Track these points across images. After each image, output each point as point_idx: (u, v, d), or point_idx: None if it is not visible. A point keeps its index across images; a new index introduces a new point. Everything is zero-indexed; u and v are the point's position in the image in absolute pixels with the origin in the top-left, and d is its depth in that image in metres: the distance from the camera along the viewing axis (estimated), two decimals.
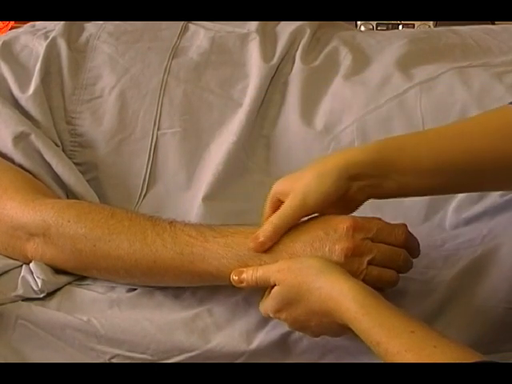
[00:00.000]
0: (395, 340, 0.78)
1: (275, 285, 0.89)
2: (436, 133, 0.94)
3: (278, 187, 0.93)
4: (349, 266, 0.88)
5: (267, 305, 0.91)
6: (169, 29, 1.24)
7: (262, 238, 0.92)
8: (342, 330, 0.86)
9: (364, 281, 0.88)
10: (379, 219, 0.92)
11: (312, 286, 0.86)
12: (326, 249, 0.90)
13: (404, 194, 0.95)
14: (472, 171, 0.90)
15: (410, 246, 0.92)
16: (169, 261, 0.95)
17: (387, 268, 0.90)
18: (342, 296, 0.83)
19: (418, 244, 0.93)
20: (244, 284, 0.91)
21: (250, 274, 0.91)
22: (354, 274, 0.88)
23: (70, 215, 0.99)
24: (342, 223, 0.90)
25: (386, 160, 0.90)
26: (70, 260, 1.00)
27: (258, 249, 0.92)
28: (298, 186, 0.91)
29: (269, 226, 0.92)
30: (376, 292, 0.84)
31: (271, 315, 0.91)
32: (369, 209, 0.95)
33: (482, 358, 0.74)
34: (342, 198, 0.91)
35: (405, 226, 0.92)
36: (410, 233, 0.92)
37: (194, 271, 0.95)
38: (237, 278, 0.92)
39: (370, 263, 0.89)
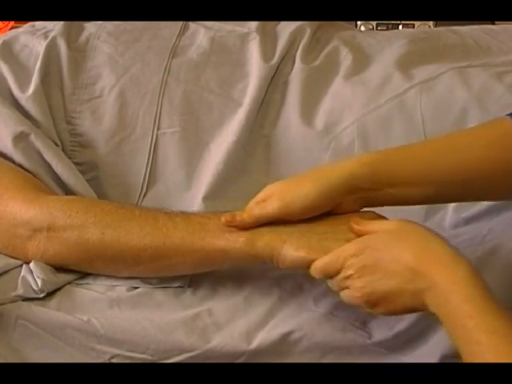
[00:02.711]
0: (494, 337, 0.75)
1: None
2: (431, 145, 0.95)
3: (269, 191, 0.94)
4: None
5: (353, 244, 0.87)
6: (168, 27, 1.24)
7: (236, 219, 0.93)
8: (407, 300, 0.82)
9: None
10: None
11: (426, 243, 0.83)
12: (345, 220, 0.92)
13: (397, 204, 0.95)
14: (467, 182, 0.91)
15: None
16: (178, 240, 0.96)
17: None
18: (453, 265, 0.80)
19: None
20: (357, 228, 0.90)
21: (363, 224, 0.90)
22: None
23: (79, 207, 1.00)
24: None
25: (381, 174, 0.91)
26: (73, 253, 1.00)
27: (228, 225, 0.94)
28: (289, 187, 0.93)
29: (248, 213, 0.94)
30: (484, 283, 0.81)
31: (349, 251, 0.86)
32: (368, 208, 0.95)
33: None
34: (334, 207, 0.93)
35: None
36: None
37: (202, 249, 0.95)
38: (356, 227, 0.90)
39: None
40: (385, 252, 0.84)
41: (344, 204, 0.93)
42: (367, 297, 0.85)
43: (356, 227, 0.90)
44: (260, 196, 0.95)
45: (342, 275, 0.87)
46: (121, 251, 0.98)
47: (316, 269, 0.89)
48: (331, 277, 0.88)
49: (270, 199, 0.93)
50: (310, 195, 0.91)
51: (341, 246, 0.88)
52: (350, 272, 0.86)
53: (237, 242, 0.94)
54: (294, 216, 0.93)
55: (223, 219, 0.94)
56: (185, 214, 0.99)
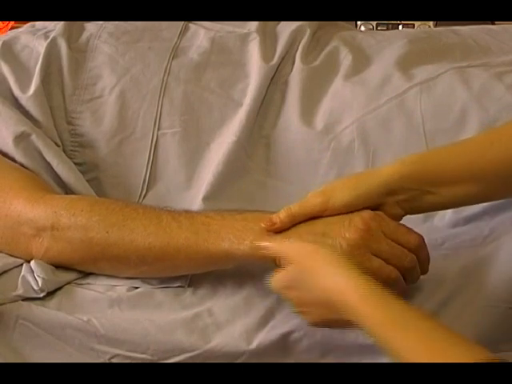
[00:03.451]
0: (406, 334, 0.77)
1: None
2: (477, 140, 0.95)
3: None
4: (354, 248, 0.89)
5: (278, 279, 0.89)
6: (169, 29, 1.24)
7: (275, 221, 0.93)
8: (347, 323, 0.84)
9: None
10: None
11: (320, 276, 0.85)
12: (346, 223, 0.91)
13: (443, 207, 0.97)
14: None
15: (421, 256, 0.92)
16: (182, 240, 0.96)
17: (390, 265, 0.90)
18: (350, 292, 0.82)
19: (429, 261, 0.93)
20: (267, 251, 0.91)
21: (272, 246, 0.91)
22: (355, 258, 0.88)
23: (83, 205, 1.00)
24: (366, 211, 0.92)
25: (424, 173, 0.92)
26: (77, 252, 1.00)
27: (269, 229, 0.93)
28: (331, 186, 0.93)
29: (286, 211, 0.93)
30: (384, 288, 0.83)
31: (278, 289, 0.90)
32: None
33: (488, 353, 0.73)
34: (375, 209, 0.93)
35: (422, 236, 0.92)
36: (426, 246, 0.92)
37: (206, 250, 0.95)
38: (262, 244, 0.92)
39: (374, 254, 0.89)
40: (304, 294, 0.87)
41: (385, 206, 0.93)
42: (317, 324, 0.90)
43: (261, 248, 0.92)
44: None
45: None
46: (125, 250, 0.98)
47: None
48: None
49: (311, 196, 0.93)
50: (349, 194, 0.91)
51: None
52: (290, 305, 0.90)
53: (241, 244, 0.94)
54: (333, 213, 0.92)
55: (262, 225, 0.93)
56: (188, 214, 0.99)
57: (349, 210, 0.92)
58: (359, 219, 0.91)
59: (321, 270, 0.85)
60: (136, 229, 0.97)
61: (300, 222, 0.93)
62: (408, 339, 0.76)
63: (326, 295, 0.84)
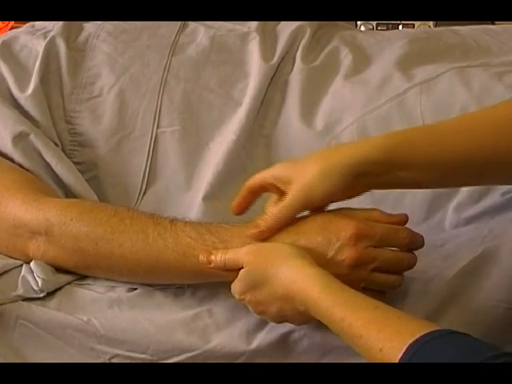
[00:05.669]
0: (359, 314, 0.79)
1: (243, 267, 0.90)
2: (442, 128, 0.92)
3: (277, 173, 0.93)
4: (353, 275, 0.89)
5: (234, 286, 0.91)
6: (168, 26, 1.24)
7: (261, 228, 0.92)
8: (302, 317, 0.87)
9: (369, 286, 0.89)
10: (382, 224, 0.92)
11: (277, 270, 0.87)
12: (328, 257, 0.89)
13: (407, 187, 0.96)
14: (478, 166, 0.89)
15: (414, 243, 0.93)
16: (172, 260, 0.96)
17: (391, 273, 0.91)
18: (307, 279, 0.84)
19: (422, 237, 0.93)
20: (212, 265, 0.92)
21: (218, 256, 0.92)
22: (359, 281, 0.89)
23: (73, 214, 0.99)
24: (344, 230, 0.90)
25: (395, 158, 0.89)
26: (72, 258, 1.00)
27: (257, 237, 0.92)
28: (301, 179, 0.90)
29: (270, 216, 0.92)
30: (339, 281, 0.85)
31: (237, 297, 0.91)
32: (370, 207, 0.95)
33: (437, 327, 0.76)
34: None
35: (406, 228, 0.92)
36: (413, 232, 0.92)
37: (197, 271, 0.95)
38: (205, 259, 0.93)
39: (374, 270, 0.89)
40: (260, 292, 0.88)
41: (354, 189, 0.92)
42: (278, 321, 0.91)
43: (209, 264, 0.93)
44: (264, 180, 0.94)
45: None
46: (116, 262, 0.98)
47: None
48: None
49: (288, 192, 0.91)
50: (323, 190, 0.89)
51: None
52: (250, 309, 0.91)
53: None
54: (314, 208, 0.92)
55: (248, 234, 0.93)
56: (173, 230, 0.97)
57: (326, 203, 0.92)
58: (348, 247, 0.89)
59: (281, 265, 0.87)
60: (124, 243, 0.97)
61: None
62: (360, 319, 0.78)
63: (285, 289, 0.85)
